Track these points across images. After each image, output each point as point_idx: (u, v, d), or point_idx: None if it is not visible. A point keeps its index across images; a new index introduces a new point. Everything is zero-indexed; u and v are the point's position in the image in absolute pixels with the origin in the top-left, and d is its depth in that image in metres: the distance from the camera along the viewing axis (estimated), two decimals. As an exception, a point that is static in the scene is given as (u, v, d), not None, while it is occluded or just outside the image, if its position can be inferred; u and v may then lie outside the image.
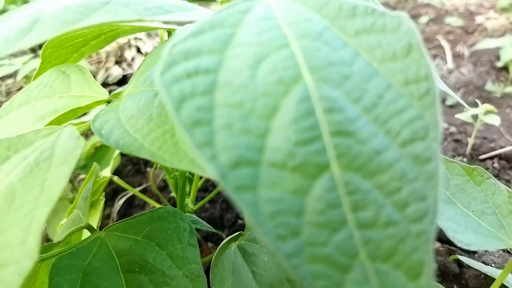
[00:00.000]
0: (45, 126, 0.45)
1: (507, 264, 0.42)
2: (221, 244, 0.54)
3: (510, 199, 0.43)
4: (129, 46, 1.77)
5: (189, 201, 0.63)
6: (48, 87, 0.53)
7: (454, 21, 3.22)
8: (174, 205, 0.91)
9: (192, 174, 0.62)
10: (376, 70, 0.23)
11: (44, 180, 0.33)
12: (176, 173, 0.59)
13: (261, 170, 0.20)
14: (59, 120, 0.46)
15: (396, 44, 0.24)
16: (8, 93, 1.86)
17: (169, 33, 0.57)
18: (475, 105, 1.78)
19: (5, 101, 1.72)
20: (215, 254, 0.53)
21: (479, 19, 3.19)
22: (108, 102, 0.48)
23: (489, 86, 1.99)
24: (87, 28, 0.52)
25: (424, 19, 3.60)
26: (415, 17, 3.72)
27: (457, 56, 2.44)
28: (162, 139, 0.36)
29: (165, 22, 0.40)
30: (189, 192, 0.67)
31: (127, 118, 0.40)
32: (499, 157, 0.98)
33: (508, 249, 0.41)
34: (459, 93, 1.96)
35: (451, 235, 0.37)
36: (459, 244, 0.38)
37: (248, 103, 0.22)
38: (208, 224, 0.59)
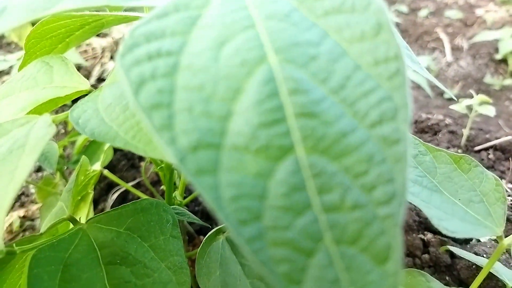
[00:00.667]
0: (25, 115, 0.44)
1: (494, 253, 0.41)
2: (207, 236, 0.53)
3: (498, 186, 0.42)
4: (123, 40, 1.76)
5: (177, 194, 0.63)
6: (32, 79, 0.53)
7: (453, 14, 3.20)
8: (166, 198, 0.90)
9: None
10: (345, 51, 0.23)
11: (15, 167, 0.32)
12: (163, 165, 0.59)
13: (222, 153, 0.20)
14: (39, 110, 0.45)
15: (365, 24, 0.23)
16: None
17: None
18: (472, 97, 1.78)
19: None
20: (201, 246, 0.52)
21: (478, 11, 3.16)
22: (90, 92, 0.48)
23: (488, 79, 1.98)
24: (68, 18, 0.52)
25: (423, 12, 3.58)
26: (414, 10, 3.70)
27: (456, 49, 2.42)
28: (137, 127, 0.35)
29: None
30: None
31: (105, 107, 0.39)
32: (494, 148, 0.97)
33: (496, 238, 0.40)
34: (458, 85, 1.95)
35: (436, 222, 0.37)
36: (444, 232, 0.37)
37: (209, 86, 0.21)
38: (195, 216, 0.59)
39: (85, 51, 1.89)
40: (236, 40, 0.22)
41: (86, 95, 0.49)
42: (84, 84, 0.48)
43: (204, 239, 0.52)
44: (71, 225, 0.57)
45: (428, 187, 0.40)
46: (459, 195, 0.40)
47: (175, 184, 0.65)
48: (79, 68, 1.58)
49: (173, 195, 0.62)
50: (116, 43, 1.87)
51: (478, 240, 0.68)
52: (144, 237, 0.45)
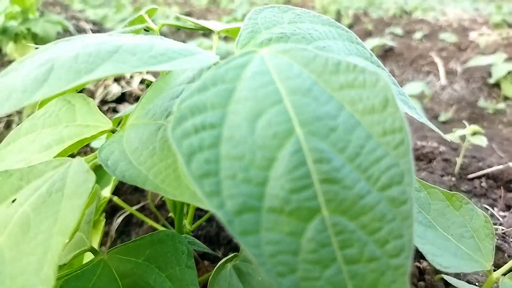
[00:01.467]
0: (54, 156, 0.48)
1: (484, 286, 0.45)
2: (217, 265, 0.57)
3: (487, 223, 0.47)
4: (123, 62, 1.79)
5: (186, 222, 0.66)
6: (54, 116, 0.56)
7: (447, 37, 3.31)
8: (172, 223, 0.94)
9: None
10: (358, 122, 0.27)
11: (57, 210, 0.36)
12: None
13: (262, 215, 0.24)
14: (67, 150, 0.49)
15: (375, 98, 0.27)
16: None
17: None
18: (467, 121, 1.85)
19: (5, 117, 1.73)
20: (212, 275, 0.56)
21: (472, 35, 3.27)
22: (112, 131, 0.51)
23: (481, 103, 2.06)
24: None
25: (418, 35, 3.68)
26: (409, 32, 3.80)
27: (450, 73, 2.51)
28: (165, 172, 0.39)
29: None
30: (187, 212, 0.70)
31: (132, 150, 0.43)
32: (487, 176, 1.03)
33: (486, 272, 0.44)
34: (452, 109, 2.02)
35: (430, 258, 0.41)
36: (438, 267, 0.41)
37: (248, 156, 0.25)
38: (204, 245, 0.62)
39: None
40: (268, 114, 0.27)
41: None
42: (107, 124, 0.52)
43: (215, 268, 0.56)
44: (86, 254, 0.61)
45: (423, 223, 0.44)
46: (451, 231, 0.44)
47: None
48: (82, 89, 1.61)
49: (183, 223, 0.66)
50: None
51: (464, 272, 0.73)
52: (161, 267, 0.48)
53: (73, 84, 0.33)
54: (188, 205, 0.70)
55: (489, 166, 1.06)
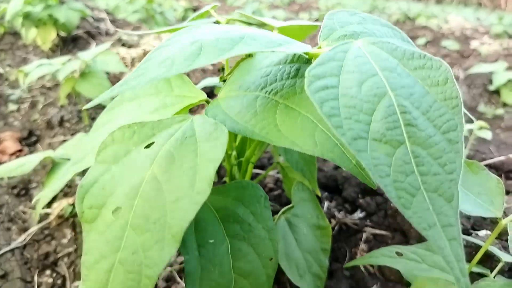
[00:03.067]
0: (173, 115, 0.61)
1: (494, 230, 0.59)
2: (277, 216, 0.71)
3: (499, 184, 0.61)
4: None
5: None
6: (153, 87, 0.70)
7: (450, 44, 3.44)
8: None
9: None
10: (427, 91, 0.41)
11: (195, 148, 0.49)
12: (241, 159, 0.77)
13: (368, 142, 0.38)
14: (178, 113, 0.62)
15: (439, 77, 0.41)
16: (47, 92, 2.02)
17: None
18: (469, 121, 1.99)
19: (29, 98, 1.86)
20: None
21: (474, 43, 3.41)
22: (206, 102, 0.65)
23: (481, 108, 2.20)
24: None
25: (421, 41, 3.80)
26: (413, 38, 3.91)
27: (452, 77, 2.66)
28: (268, 128, 0.52)
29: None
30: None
31: (235, 113, 0.56)
32: (489, 166, 1.17)
33: (497, 219, 0.58)
34: (453, 110, 2.16)
35: (457, 205, 0.55)
36: (463, 211, 0.55)
37: (358, 106, 0.39)
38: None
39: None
40: (369, 81, 0.41)
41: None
42: (202, 95, 0.66)
43: (275, 220, 0.70)
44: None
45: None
46: (471, 189, 0.58)
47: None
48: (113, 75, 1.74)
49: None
50: (146, 53, 2.03)
51: (476, 234, 0.87)
52: (246, 204, 0.62)
53: (220, 57, 0.46)
54: (246, 170, 0.84)
55: (491, 158, 1.20)
